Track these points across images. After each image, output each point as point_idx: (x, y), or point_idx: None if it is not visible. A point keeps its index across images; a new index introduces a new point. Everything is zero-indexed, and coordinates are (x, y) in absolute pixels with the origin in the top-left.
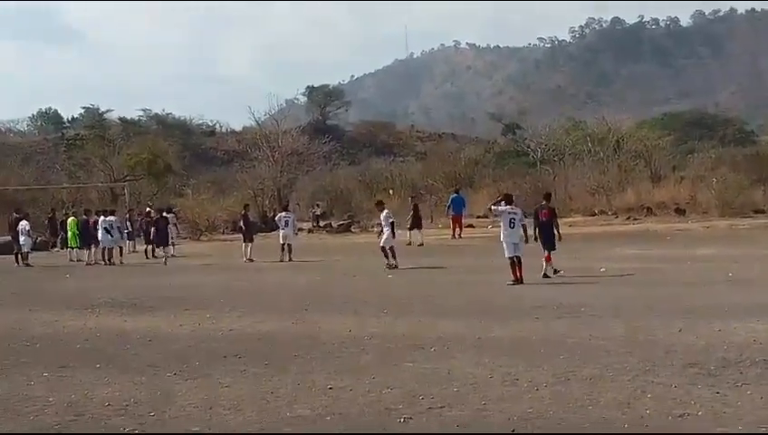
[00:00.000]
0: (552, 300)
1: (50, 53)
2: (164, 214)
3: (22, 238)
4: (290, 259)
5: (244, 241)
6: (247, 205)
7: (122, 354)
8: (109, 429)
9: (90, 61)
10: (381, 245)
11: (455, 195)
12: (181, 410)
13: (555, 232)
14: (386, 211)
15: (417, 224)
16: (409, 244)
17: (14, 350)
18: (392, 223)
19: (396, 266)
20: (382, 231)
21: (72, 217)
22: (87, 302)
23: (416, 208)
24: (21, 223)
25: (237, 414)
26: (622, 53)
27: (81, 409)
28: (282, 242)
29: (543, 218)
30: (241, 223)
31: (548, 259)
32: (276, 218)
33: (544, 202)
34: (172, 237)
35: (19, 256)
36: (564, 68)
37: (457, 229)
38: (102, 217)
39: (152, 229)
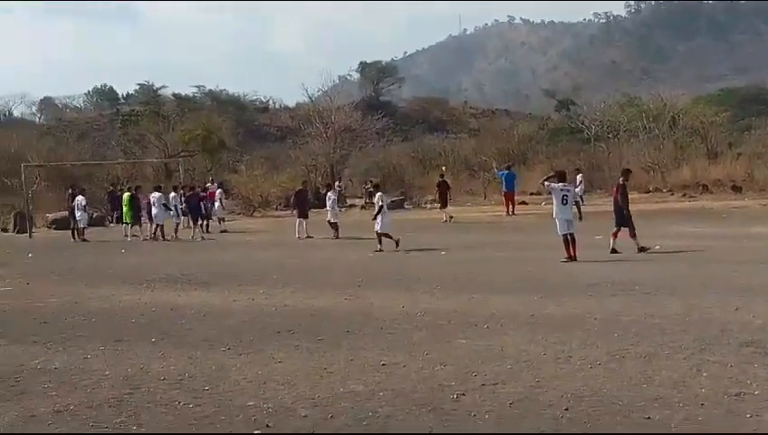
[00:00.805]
0: (606, 277)
1: (106, 30)
2: (196, 189)
3: (78, 214)
4: (336, 237)
5: (299, 217)
6: (305, 181)
7: (177, 329)
8: (164, 402)
9: (145, 38)
10: (376, 229)
11: (506, 171)
12: (235, 384)
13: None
14: (378, 194)
15: (444, 202)
16: (445, 221)
17: (70, 324)
18: (381, 207)
19: (381, 250)
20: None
21: (127, 193)
22: (142, 277)
23: (442, 187)
24: (77, 198)
25: (291, 389)
26: (678, 29)
27: (137, 382)
28: (330, 220)
29: (616, 194)
30: (293, 199)
31: (614, 235)
32: (327, 197)
33: (621, 178)
34: (216, 214)
35: (75, 231)
36: (619, 43)
37: (510, 206)
38: (157, 194)
39: (201, 205)
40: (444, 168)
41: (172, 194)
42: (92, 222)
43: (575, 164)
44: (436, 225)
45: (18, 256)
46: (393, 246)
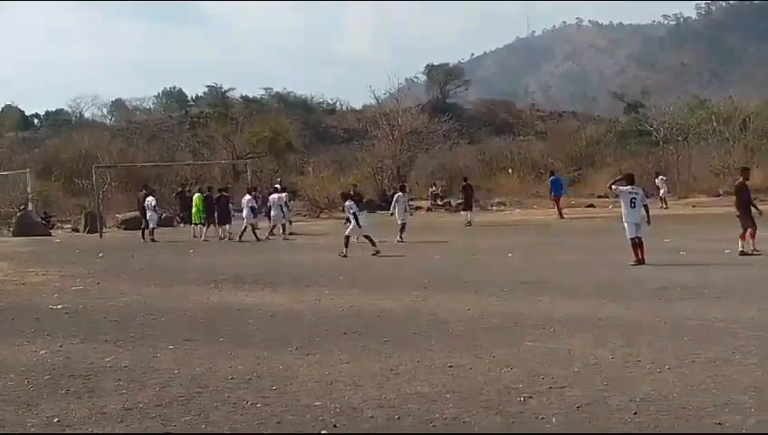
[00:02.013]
0: (675, 281)
1: (176, 34)
2: (224, 193)
3: (148, 214)
4: (401, 238)
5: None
6: (356, 184)
7: (244, 329)
8: (232, 401)
9: (214, 40)
10: (346, 234)
11: (552, 177)
12: (302, 385)
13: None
14: (348, 202)
15: (468, 205)
16: (469, 224)
17: (140, 323)
18: (354, 213)
19: (345, 256)
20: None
21: (198, 194)
22: (210, 277)
23: (466, 189)
24: (147, 199)
25: (357, 390)
26: (750, 31)
27: (205, 381)
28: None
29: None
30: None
31: (743, 237)
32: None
33: (741, 178)
34: (285, 216)
35: (145, 231)
36: (689, 45)
37: (559, 210)
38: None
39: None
40: (510, 170)
41: (247, 197)
42: (161, 222)
43: (643, 167)
44: (502, 227)
45: (89, 256)
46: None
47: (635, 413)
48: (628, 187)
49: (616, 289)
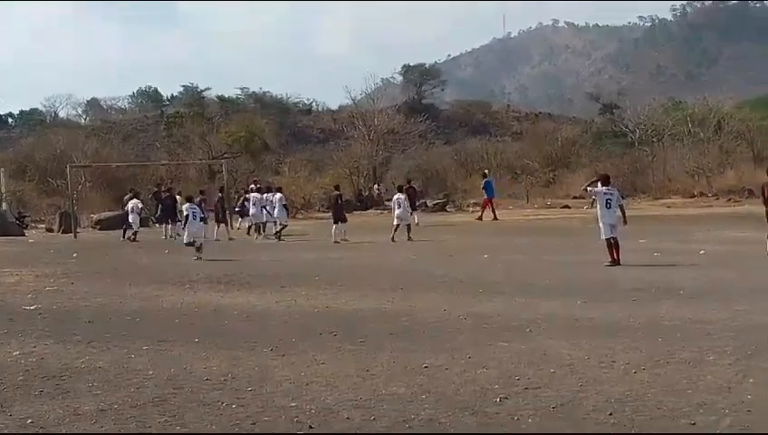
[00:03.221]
0: (650, 282)
1: (151, 33)
2: (163, 191)
3: (131, 217)
4: (409, 238)
5: (335, 222)
6: (337, 185)
7: (220, 330)
8: (207, 402)
9: (189, 39)
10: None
11: (485, 179)
12: (278, 385)
13: None
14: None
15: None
16: (416, 224)
17: (115, 324)
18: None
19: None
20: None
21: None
22: (185, 278)
23: (409, 191)
24: (132, 201)
25: (333, 391)
26: (725, 33)
27: (181, 382)
28: (395, 223)
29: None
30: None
31: None
32: (394, 199)
33: None
34: (276, 217)
35: (126, 231)
36: (665, 47)
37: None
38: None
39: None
40: (486, 171)
41: (278, 195)
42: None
43: (619, 168)
44: (478, 228)
45: (63, 256)
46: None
47: (610, 414)
48: (604, 187)
49: (591, 290)
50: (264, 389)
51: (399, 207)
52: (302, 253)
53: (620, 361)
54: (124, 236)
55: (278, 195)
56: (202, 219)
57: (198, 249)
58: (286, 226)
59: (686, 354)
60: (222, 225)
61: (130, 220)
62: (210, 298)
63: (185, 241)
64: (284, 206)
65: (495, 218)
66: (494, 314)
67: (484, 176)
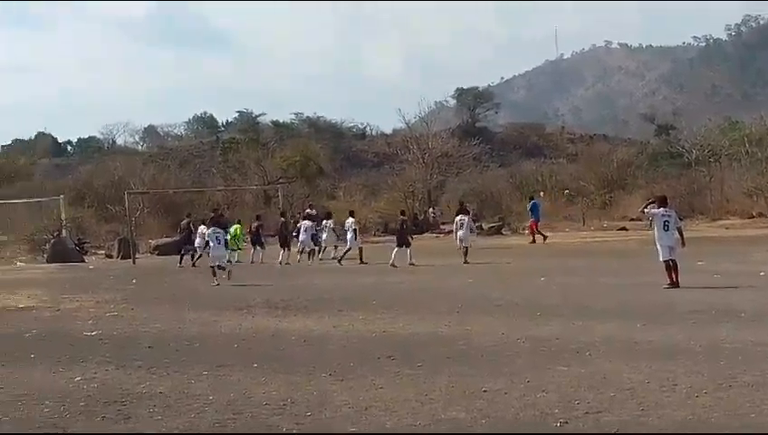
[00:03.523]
0: (710, 304)
1: (206, 60)
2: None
3: (197, 241)
4: (465, 261)
5: (399, 246)
6: (403, 211)
7: (278, 355)
8: (268, 428)
9: (244, 66)
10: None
11: (532, 202)
12: (337, 410)
13: None
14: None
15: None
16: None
17: (174, 349)
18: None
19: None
20: None
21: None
22: (243, 302)
23: (402, 224)
24: (200, 228)
25: (392, 416)
26: None
27: (240, 407)
28: (458, 244)
29: None
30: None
31: None
32: (456, 220)
33: None
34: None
35: (183, 257)
36: (720, 67)
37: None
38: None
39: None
40: (541, 193)
41: (351, 220)
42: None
43: (675, 189)
44: (534, 251)
45: (122, 282)
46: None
47: None
48: (661, 209)
49: (650, 312)
50: (324, 414)
51: (461, 228)
52: (359, 277)
53: (682, 384)
54: (181, 263)
55: (351, 219)
56: (257, 243)
57: (217, 273)
58: (351, 249)
59: (748, 378)
60: (285, 249)
61: (196, 244)
62: (268, 323)
63: (209, 264)
64: (354, 230)
65: (543, 240)
66: (552, 338)
67: (531, 199)
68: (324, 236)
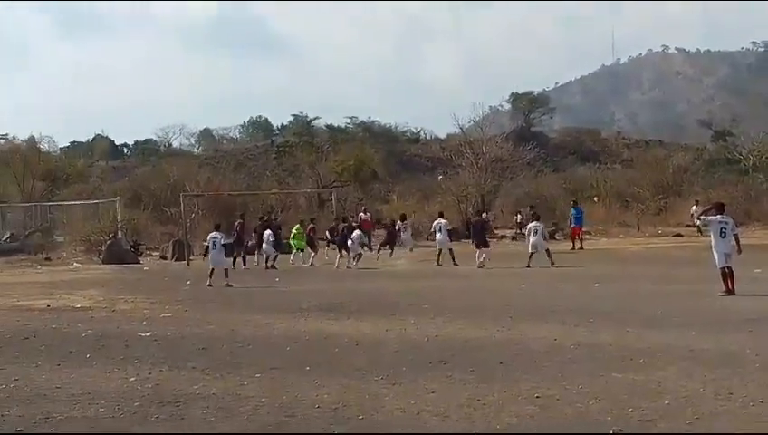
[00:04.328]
0: (767, 313)
1: (262, 64)
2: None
3: (265, 246)
4: (528, 265)
5: (477, 247)
6: (479, 211)
7: (330, 358)
8: (320, 430)
9: (297, 70)
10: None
11: (575, 208)
12: (389, 414)
13: None
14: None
15: (389, 242)
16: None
17: (227, 351)
18: None
19: None
20: None
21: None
22: (296, 305)
23: (389, 228)
24: (265, 232)
25: (444, 420)
26: None
27: (293, 410)
28: (530, 251)
29: None
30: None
31: None
32: (530, 227)
33: None
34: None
35: (237, 259)
36: None
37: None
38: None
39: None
40: (596, 199)
41: (443, 221)
42: (249, 250)
43: (732, 196)
44: (587, 257)
45: (177, 284)
46: None
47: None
48: (718, 216)
49: (705, 320)
50: (376, 417)
51: (534, 234)
52: (411, 281)
53: (738, 393)
54: (244, 265)
55: (442, 220)
56: (310, 245)
57: (212, 276)
58: (441, 250)
59: None
60: (342, 252)
61: (264, 249)
62: (321, 326)
63: (210, 266)
64: (448, 230)
65: (577, 247)
66: (606, 344)
67: (575, 204)
68: (403, 236)
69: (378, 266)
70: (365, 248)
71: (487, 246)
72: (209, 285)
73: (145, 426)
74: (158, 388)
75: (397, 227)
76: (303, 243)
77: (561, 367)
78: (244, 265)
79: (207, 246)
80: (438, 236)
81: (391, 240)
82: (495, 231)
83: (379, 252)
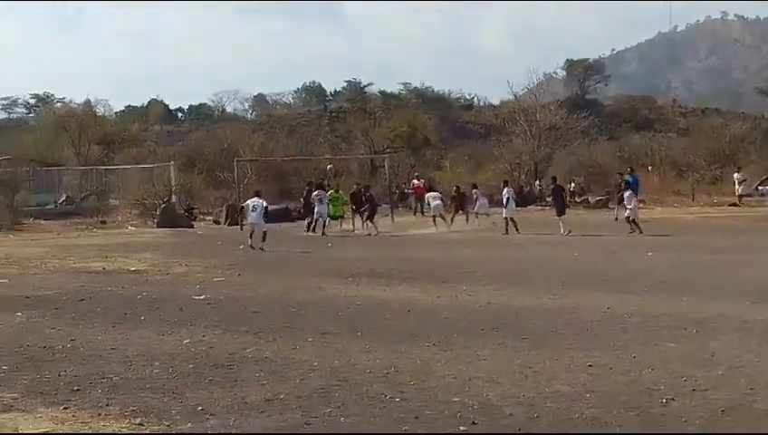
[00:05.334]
0: None
1: (317, 31)
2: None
3: (317, 207)
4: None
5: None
6: (555, 177)
7: (382, 323)
8: (371, 395)
9: (352, 36)
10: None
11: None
12: (440, 380)
13: None
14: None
15: (366, 211)
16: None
17: (279, 315)
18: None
19: None
20: None
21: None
22: (348, 271)
23: (363, 195)
24: (314, 193)
25: (495, 387)
26: None
27: (345, 374)
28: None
29: None
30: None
31: None
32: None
33: None
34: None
35: (312, 224)
36: None
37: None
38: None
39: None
40: (650, 167)
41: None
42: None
43: None
44: (642, 226)
45: (230, 248)
46: None
47: (518, 429)
48: None
49: (761, 290)
50: (427, 383)
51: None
52: (464, 248)
53: None
54: (314, 230)
55: (507, 188)
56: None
57: (253, 238)
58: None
59: None
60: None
61: (317, 211)
62: (372, 292)
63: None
64: (509, 199)
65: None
66: (660, 314)
67: (631, 171)
68: (479, 203)
69: (431, 233)
70: (417, 214)
71: (563, 214)
72: (251, 247)
73: (199, 387)
74: (211, 350)
75: (474, 196)
76: (342, 208)
77: (613, 336)
78: (309, 230)
79: (244, 209)
80: (506, 204)
81: (461, 207)
82: (548, 199)
83: (452, 220)
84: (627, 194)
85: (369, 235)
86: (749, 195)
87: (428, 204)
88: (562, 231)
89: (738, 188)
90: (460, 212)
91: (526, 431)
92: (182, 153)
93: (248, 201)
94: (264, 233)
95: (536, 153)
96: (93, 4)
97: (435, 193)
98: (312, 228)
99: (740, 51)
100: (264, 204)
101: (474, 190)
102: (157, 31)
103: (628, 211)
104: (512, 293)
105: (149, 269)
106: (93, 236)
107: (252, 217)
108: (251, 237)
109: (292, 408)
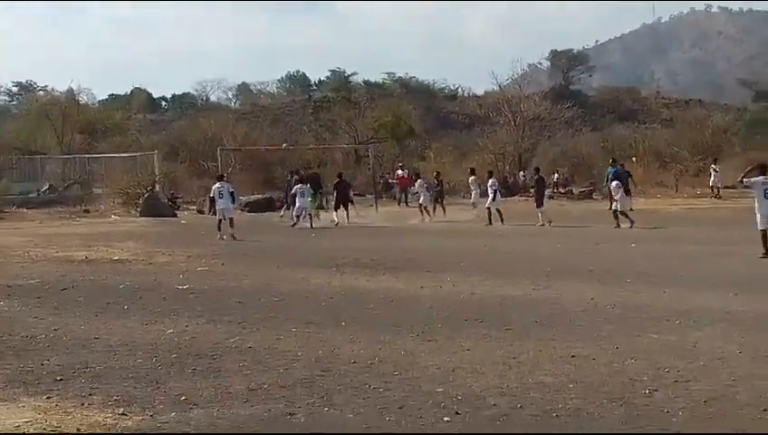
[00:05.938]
0: None
1: (300, 20)
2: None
3: (298, 200)
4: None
5: (538, 206)
6: (537, 168)
7: (366, 313)
8: (355, 385)
9: (335, 26)
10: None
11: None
12: (424, 371)
13: None
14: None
15: (340, 203)
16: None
17: (263, 305)
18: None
19: None
20: None
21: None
22: (331, 261)
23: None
24: (296, 186)
25: (479, 378)
26: None
27: (328, 365)
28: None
29: None
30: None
31: None
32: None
33: None
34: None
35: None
36: None
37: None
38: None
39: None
40: (634, 159)
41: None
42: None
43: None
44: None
45: (213, 237)
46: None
47: (765, 410)
48: (761, 177)
49: (743, 282)
50: (411, 373)
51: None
52: (447, 239)
53: None
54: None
55: (492, 180)
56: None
57: (221, 227)
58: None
59: None
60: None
61: (298, 203)
62: (356, 282)
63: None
64: (495, 190)
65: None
66: (643, 305)
67: (613, 163)
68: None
69: (416, 224)
70: (401, 205)
71: (542, 205)
72: (222, 238)
73: (182, 377)
74: (194, 340)
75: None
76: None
77: (596, 326)
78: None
79: (212, 198)
80: (491, 195)
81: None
82: (531, 189)
83: (434, 211)
84: (613, 185)
85: (336, 224)
86: (727, 187)
87: (416, 193)
88: (540, 222)
89: (711, 180)
90: (439, 201)
91: (509, 422)
92: (165, 142)
93: (213, 187)
94: (231, 220)
95: (520, 144)
96: None
97: (421, 181)
98: (295, 224)
99: (723, 43)
100: (231, 188)
101: (472, 177)
102: (140, 19)
103: (615, 204)
104: (496, 283)
105: (133, 258)
106: (76, 225)
107: (220, 204)
108: (219, 229)
109: (275, 398)
